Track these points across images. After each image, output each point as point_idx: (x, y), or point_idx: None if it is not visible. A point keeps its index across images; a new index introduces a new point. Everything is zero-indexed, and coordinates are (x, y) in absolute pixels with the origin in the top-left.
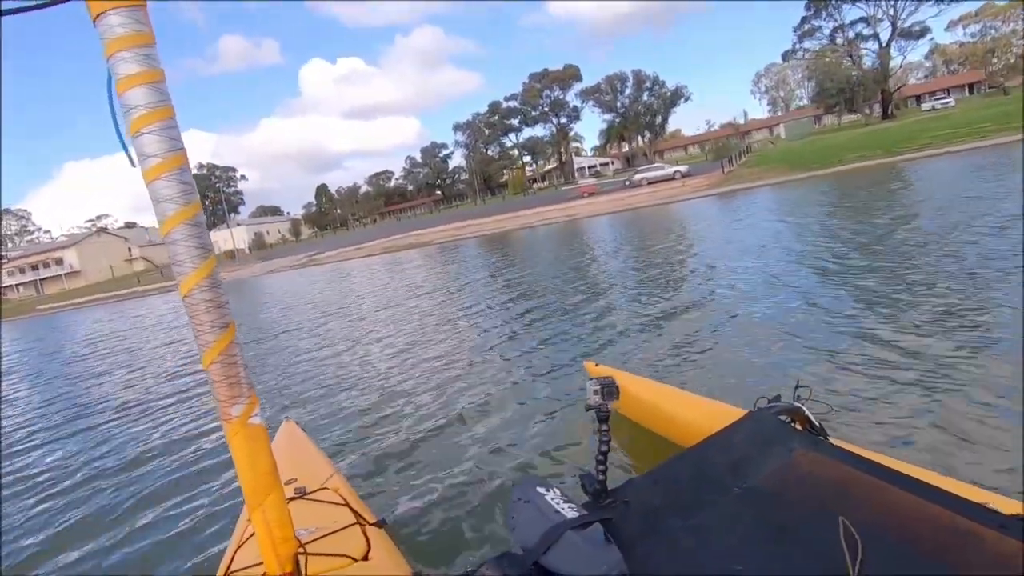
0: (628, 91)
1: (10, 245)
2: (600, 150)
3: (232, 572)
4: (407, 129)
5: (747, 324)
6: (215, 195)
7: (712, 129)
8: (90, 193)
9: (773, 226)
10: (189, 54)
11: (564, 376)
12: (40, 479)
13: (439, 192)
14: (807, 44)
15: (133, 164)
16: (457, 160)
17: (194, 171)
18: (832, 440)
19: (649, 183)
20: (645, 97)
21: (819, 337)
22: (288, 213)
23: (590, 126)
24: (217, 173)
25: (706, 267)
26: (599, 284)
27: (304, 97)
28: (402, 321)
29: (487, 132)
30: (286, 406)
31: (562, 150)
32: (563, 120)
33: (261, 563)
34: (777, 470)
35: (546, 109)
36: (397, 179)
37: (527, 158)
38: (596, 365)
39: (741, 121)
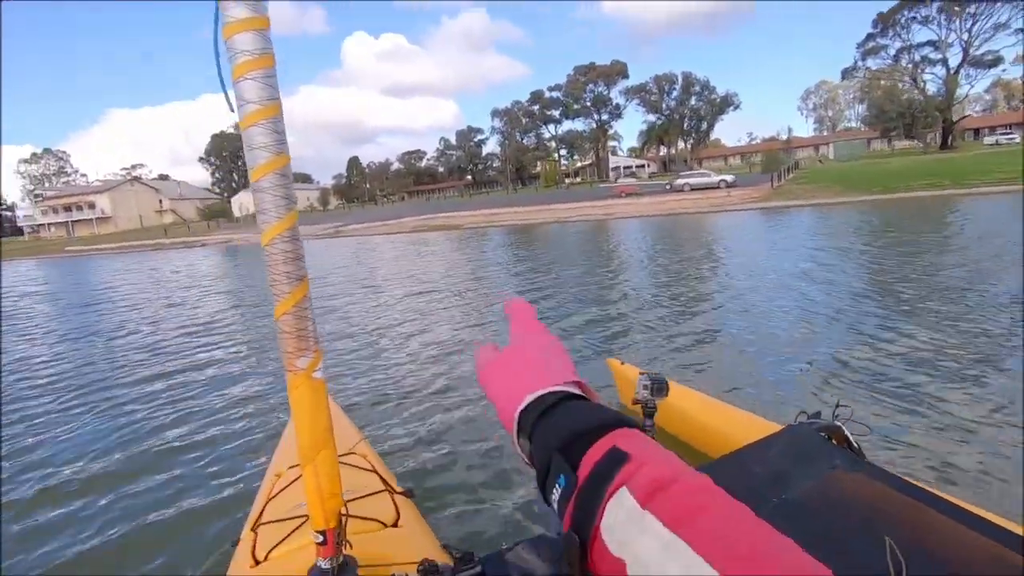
0: (675, 93)
1: (46, 184)
2: (637, 151)
3: (263, 522)
4: (443, 111)
5: (785, 342)
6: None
7: (754, 141)
8: (129, 142)
9: (824, 250)
10: None
11: (594, 370)
12: (54, 425)
13: (470, 177)
14: (870, 63)
15: (232, 109)
16: (491, 146)
17: (230, 131)
18: (871, 462)
19: (692, 189)
20: (693, 101)
21: (862, 365)
22: (318, 182)
23: (627, 126)
24: None
25: (746, 282)
26: (634, 286)
27: (345, 69)
28: (434, 300)
29: (525, 121)
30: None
31: (599, 147)
32: (604, 117)
33: (291, 518)
34: (817, 485)
35: (588, 104)
36: (429, 159)
37: (563, 151)
38: (621, 363)
39: (784, 136)
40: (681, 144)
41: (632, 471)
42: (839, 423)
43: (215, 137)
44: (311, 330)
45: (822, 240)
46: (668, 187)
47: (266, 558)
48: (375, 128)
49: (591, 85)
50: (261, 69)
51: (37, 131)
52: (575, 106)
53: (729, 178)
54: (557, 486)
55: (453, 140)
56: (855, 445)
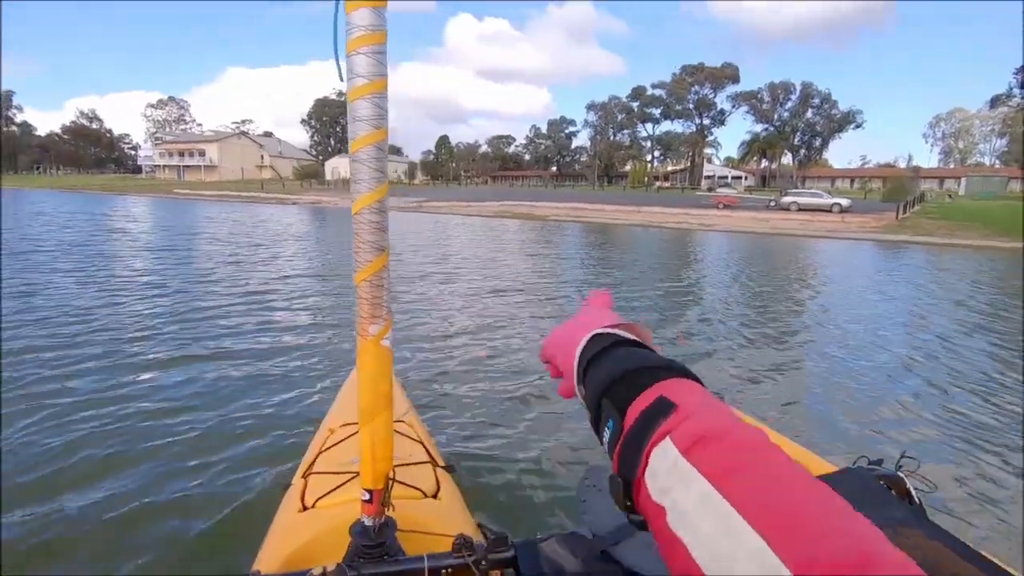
0: (790, 104)
1: (167, 130)
2: (734, 162)
3: (314, 472)
4: (536, 99)
5: (866, 391)
6: (346, 123)
7: (867, 165)
8: (243, 99)
9: (970, 306)
10: None
11: None
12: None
13: (555, 168)
14: None
15: (342, 79)
16: (581, 140)
17: (333, 97)
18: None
19: (800, 209)
20: (809, 114)
21: (942, 424)
22: (406, 156)
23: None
24: None
25: (847, 321)
26: (720, 308)
27: (446, 48)
28: (509, 286)
29: (620, 117)
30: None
31: (695, 152)
32: (705, 121)
33: (341, 472)
34: None
35: (691, 106)
36: (517, 146)
37: (657, 152)
38: None
39: (903, 164)
40: (786, 159)
41: (678, 421)
42: (902, 474)
43: (318, 102)
44: (385, 299)
45: (971, 291)
46: (772, 203)
47: (314, 505)
48: (467, 109)
49: (696, 87)
50: (373, 45)
51: (166, 80)
52: (677, 107)
53: (844, 202)
54: (607, 430)
55: (544, 129)
56: (916, 500)
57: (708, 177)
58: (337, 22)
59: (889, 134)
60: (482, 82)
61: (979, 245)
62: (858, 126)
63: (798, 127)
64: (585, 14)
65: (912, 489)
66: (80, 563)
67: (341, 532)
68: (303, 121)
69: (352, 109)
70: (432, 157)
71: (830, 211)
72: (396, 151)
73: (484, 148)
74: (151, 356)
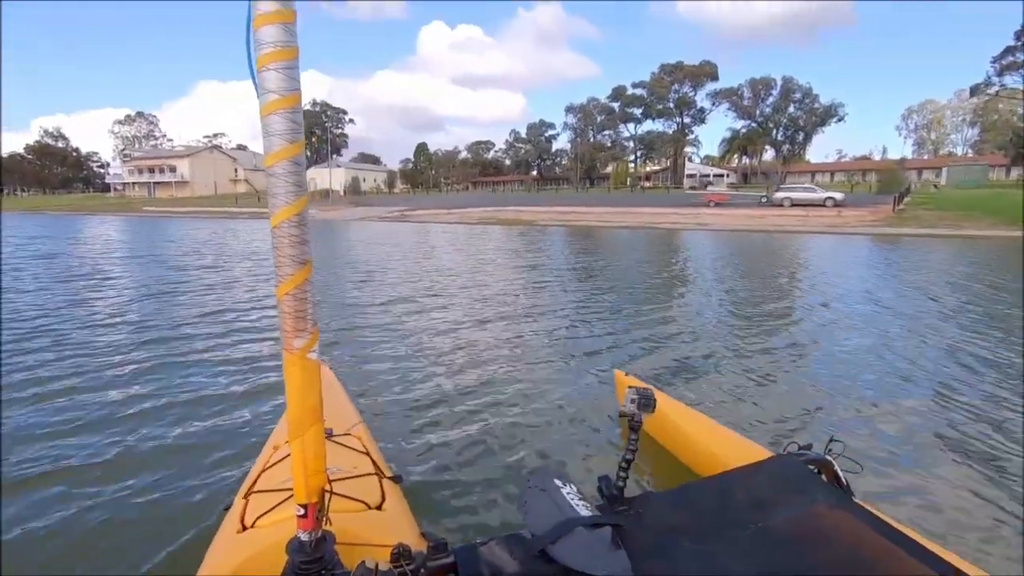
0: (771, 99)
1: (136, 146)
2: (715, 160)
3: (255, 491)
4: (511, 104)
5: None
6: (323, 133)
7: (843, 159)
8: (215, 113)
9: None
10: None
11: (597, 379)
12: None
13: (536, 172)
14: (1008, 80)
15: (259, 95)
16: (561, 143)
17: (307, 107)
18: (857, 501)
19: (793, 204)
20: (791, 109)
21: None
22: (385, 165)
23: (705, 133)
24: (328, 113)
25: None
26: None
27: (419, 56)
28: (493, 306)
29: (601, 118)
30: (323, 348)
31: (676, 152)
32: (686, 120)
33: (282, 489)
34: (797, 517)
35: (671, 104)
36: (496, 151)
37: (640, 153)
38: (626, 375)
39: (878, 157)
40: (768, 155)
41: None
42: (830, 457)
43: None
44: (310, 312)
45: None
46: (764, 200)
47: (252, 525)
48: (443, 116)
49: (676, 85)
50: (284, 61)
51: (135, 97)
52: (658, 106)
53: (838, 196)
54: None
55: (523, 133)
56: (843, 482)
57: (690, 176)
58: (249, 39)
59: (861, 128)
60: (457, 89)
61: (989, 235)
62: (840, 119)
63: (781, 122)
64: (555, 17)
65: (840, 471)
66: None
67: (279, 550)
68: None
69: (266, 124)
70: (411, 165)
71: (824, 205)
72: (374, 160)
73: (464, 154)
74: (88, 377)
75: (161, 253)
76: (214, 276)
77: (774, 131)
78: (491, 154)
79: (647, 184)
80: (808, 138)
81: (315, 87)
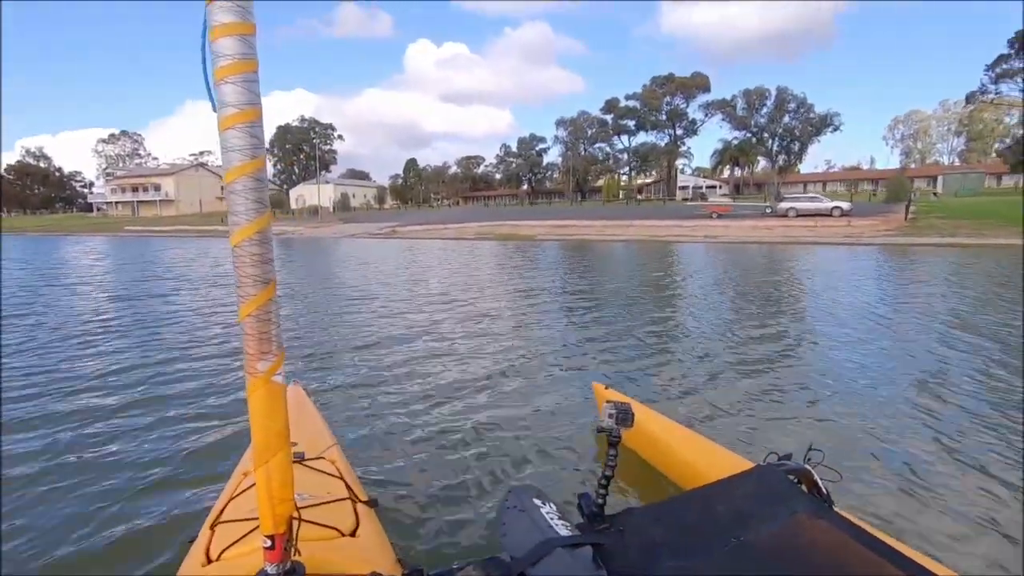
0: (766, 110)
1: (120, 165)
2: (706, 172)
3: (222, 521)
4: (499, 120)
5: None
6: (311, 150)
7: (832, 170)
8: (201, 131)
9: None
10: (310, 15)
11: (578, 392)
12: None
13: (527, 186)
14: (1004, 87)
15: (214, 109)
16: (551, 156)
17: (295, 124)
18: (837, 510)
19: (799, 214)
20: (786, 119)
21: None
22: (375, 181)
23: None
24: (316, 129)
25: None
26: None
27: (407, 74)
28: (468, 315)
29: (593, 131)
30: (297, 368)
31: (670, 163)
32: (678, 132)
33: (250, 519)
34: (777, 529)
35: (663, 116)
36: (487, 166)
37: (634, 165)
38: (605, 388)
39: (866, 167)
40: (761, 166)
41: None
42: (809, 467)
43: (279, 129)
44: (275, 334)
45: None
46: (769, 210)
47: (219, 558)
48: (431, 133)
49: (668, 97)
50: (243, 74)
51: (121, 117)
52: (652, 117)
53: (845, 205)
54: None
55: (514, 147)
56: (824, 491)
57: (683, 188)
58: (205, 51)
59: (847, 139)
60: (445, 105)
61: (1014, 244)
62: (836, 128)
63: (776, 132)
64: (542, 36)
65: (819, 480)
66: None
67: None
68: (265, 150)
69: (224, 139)
70: (400, 181)
71: (830, 215)
72: (363, 176)
73: (454, 169)
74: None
75: (116, 277)
76: (171, 297)
77: (769, 141)
78: (481, 169)
79: (640, 196)
80: (804, 148)
81: (303, 105)
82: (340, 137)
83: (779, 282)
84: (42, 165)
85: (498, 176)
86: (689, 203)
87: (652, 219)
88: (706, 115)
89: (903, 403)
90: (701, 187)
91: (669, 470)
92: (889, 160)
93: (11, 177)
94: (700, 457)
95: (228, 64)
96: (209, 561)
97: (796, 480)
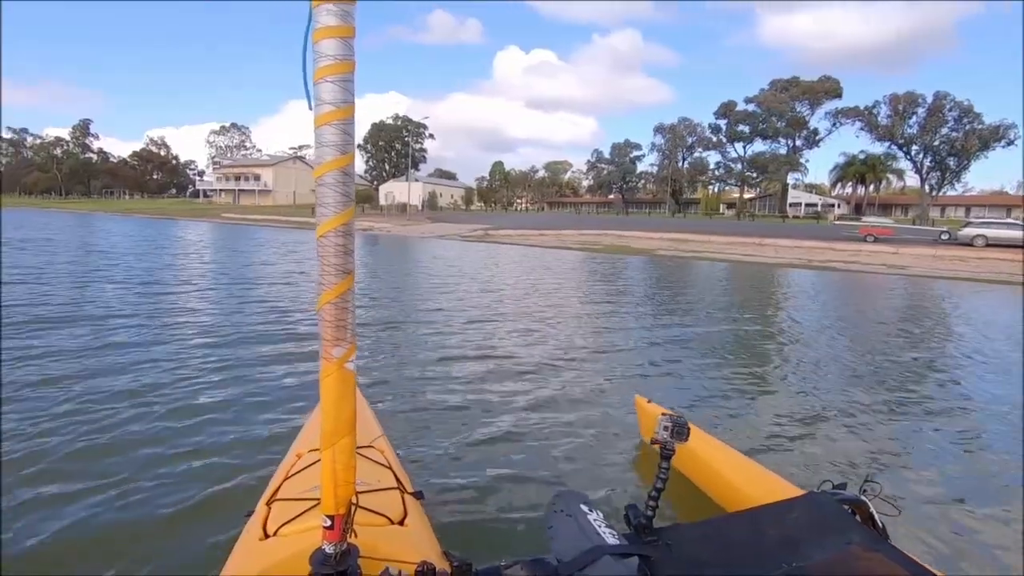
0: (915, 119)
1: (228, 156)
2: (822, 188)
3: (278, 498)
4: (583, 128)
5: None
6: (402, 147)
7: (969, 193)
8: (303, 128)
9: None
10: (402, 21)
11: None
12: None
13: (617, 194)
14: None
15: (310, 107)
16: (643, 165)
17: (388, 121)
18: (893, 544)
19: (987, 243)
20: (944, 130)
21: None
22: (462, 182)
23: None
24: (409, 127)
25: None
26: None
27: (494, 80)
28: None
29: (690, 140)
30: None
31: (784, 177)
32: (797, 142)
33: (306, 498)
34: (831, 560)
35: (782, 124)
36: (574, 172)
37: (753, 176)
38: (648, 402)
39: (1010, 191)
40: (893, 184)
41: None
42: (866, 498)
43: (374, 126)
44: (350, 322)
45: None
46: (946, 236)
47: (275, 533)
48: (515, 138)
49: (794, 102)
50: (341, 74)
51: (235, 113)
52: (777, 124)
53: None
54: None
55: (606, 153)
56: (879, 524)
57: (793, 204)
58: (307, 50)
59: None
60: (529, 111)
61: None
62: (1010, 143)
63: (932, 145)
64: (631, 43)
65: (875, 513)
66: None
67: (302, 560)
68: (359, 146)
69: (318, 135)
70: (485, 183)
71: None
72: (451, 177)
73: (541, 173)
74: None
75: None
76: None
77: (919, 155)
78: (568, 174)
79: (750, 212)
80: (966, 165)
81: (395, 107)
82: (431, 136)
83: None
84: (162, 153)
85: (585, 182)
86: (837, 222)
87: (788, 238)
88: (834, 124)
89: None
90: (816, 204)
91: (713, 490)
92: None
93: (134, 162)
94: (747, 479)
95: (328, 64)
96: (266, 536)
97: (850, 511)
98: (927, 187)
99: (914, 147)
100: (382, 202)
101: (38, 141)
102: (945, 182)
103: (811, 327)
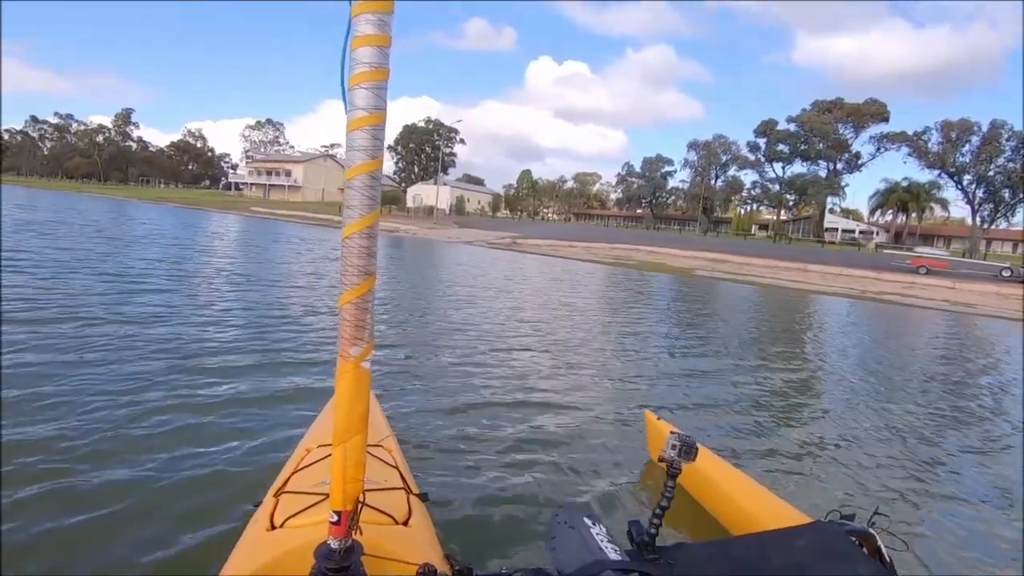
0: (968, 147)
1: (261, 151)
2: (867, 215)
3: (286, 491)
4: (611, 141)
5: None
6: (432, 151)
7: (1016, 228)
8: (336, 128)
9: None
10: (438, 27)
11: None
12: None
13: (646, 209)
14: None
15: (347, 111)
16: (674, 181)
17: (420, 124)
18: None
19: None
20: (1001, 160)
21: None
22: (488, 188)
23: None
24: (440, 131)
25: None
26: None
27: (526, 89)
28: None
29: (724, 158)
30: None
31: (822, 200)
32: (838, 166)
33: (313, 492)
34: None
35: (823, 146)
36: (603, 184)
37: (792, 197)
38: (657, 418)
39: None
40: (977, 217)
41: None
42: (874, 531)
43: (405, 128)
44: (369, 323)
45: None
46: (1008, 272)
47: (282, 525)
48: (543, 147)
49: (838, 124)
50: (375, 81)
51: (271, 110)
52: (819, 145)
53: None
54: None
55: (637, 167)
56: (887, 559)
57: (828, 230)
58: (345, 56)
59: None
60: (559, 122)
61: None
62: None
63: (986, 175)
64: (664, 59)
65: (883, 547)
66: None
67: (306, 553)
68: (389, 147)
69: (350, 139)
70: (512, 191)
71: None
72: (479, 182)
73: (570, 183)
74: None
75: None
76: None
77: (972, 186)
78: (596, 187)
79: (784, 234)
80: (1022, 197)
81: (427, 111)
82: (462, 141)
83: None
84: (198, 145)
85: (614, 195)
86: (886, 251)
87: (831, 264)
88: (879, 148)
89: None
90: (854, 230)
91: (719, 512)
92: None
93: (171, 152)
94: (754, 503)
95: (363, 71)
96: (273, 527)
97: (857, 542)
98: (979, 219)
99: (966, 176)
100: (409, 204)
101: (82, 127)
102: (998, 214)
103: (903, 382)
